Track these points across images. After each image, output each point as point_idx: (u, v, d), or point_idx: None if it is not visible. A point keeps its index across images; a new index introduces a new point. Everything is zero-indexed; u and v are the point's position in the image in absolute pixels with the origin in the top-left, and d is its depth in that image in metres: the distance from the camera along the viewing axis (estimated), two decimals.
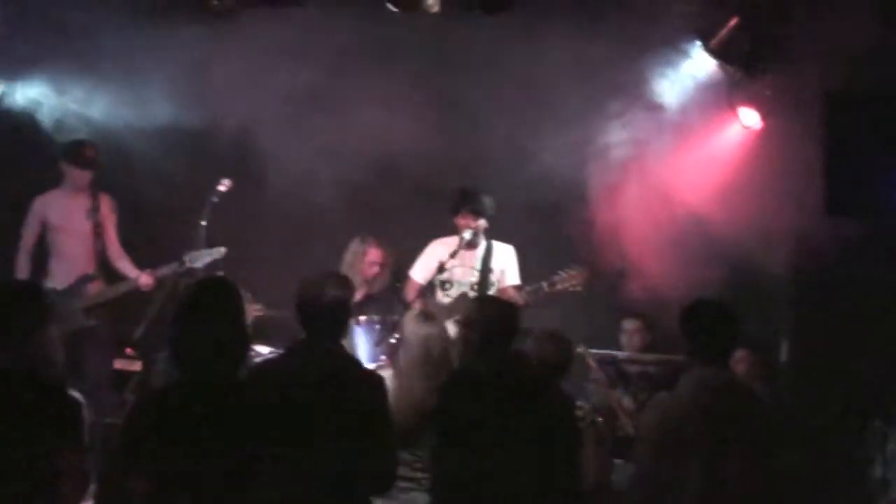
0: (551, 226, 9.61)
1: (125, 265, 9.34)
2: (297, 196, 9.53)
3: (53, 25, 9.27)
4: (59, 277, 9.21)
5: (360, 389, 5.81)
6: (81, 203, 9.28)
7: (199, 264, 9.05)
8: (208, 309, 5.15)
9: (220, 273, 8.89)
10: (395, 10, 8.47)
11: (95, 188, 9.35)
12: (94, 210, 9.29)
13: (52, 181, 9.41)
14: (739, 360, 7.96)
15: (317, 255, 9.40)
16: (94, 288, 9.25)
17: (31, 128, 9.91)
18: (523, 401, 5.92)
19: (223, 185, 9.15)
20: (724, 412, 5.74)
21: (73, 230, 9.26)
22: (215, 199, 9.10)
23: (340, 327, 6.01)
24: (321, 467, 5.56)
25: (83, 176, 9.25)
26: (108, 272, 9.39)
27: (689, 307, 6.07)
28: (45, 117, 9.90)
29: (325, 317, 5.89)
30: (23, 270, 9.20)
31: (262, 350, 8.91)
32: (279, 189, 9.64)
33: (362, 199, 10.00)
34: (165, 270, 9.15)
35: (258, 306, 9.45)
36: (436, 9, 8.44)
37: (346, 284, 6.11)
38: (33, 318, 5.38)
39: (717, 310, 6.04)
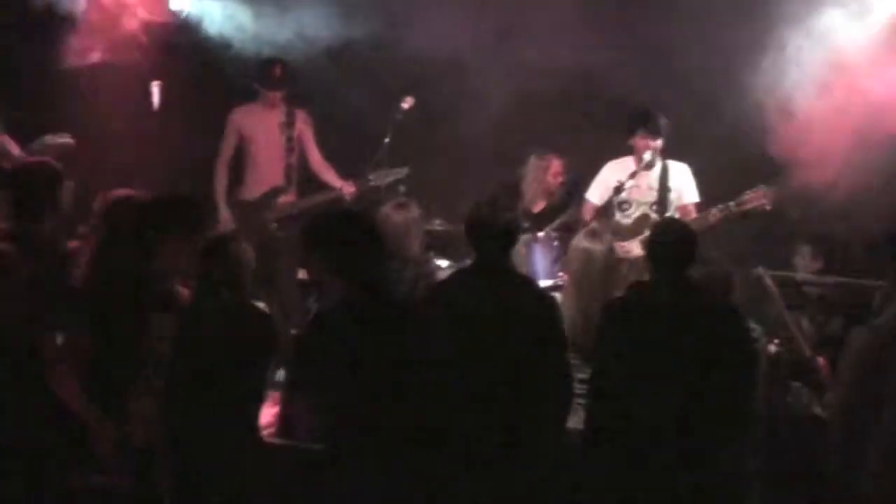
0: (738, 145, 9.39)
1: (330, 175, 9.59)
2: (477, 112, 9.57)
3: None
4: (251, 189, 9.57)
5: (534, 310, 5.91)
6: (275, 117, 9.54)
7: (383, 182, 9.28)
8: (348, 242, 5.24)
9: (401, 189, 9.15)
10: None
11: (290, 102, 9.59)
12: (288, 124, 9.54)
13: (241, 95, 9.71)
14: None
15: (497, 172, 9.59)
16: (285, 200, 9.55)
17: (216, 44, 10.23)
18: (694, 325, 5.83)
19: (406, 103, 9.26)
20: None
21: (266, 143, 9.54)
22: (399, 117, 9.23)
23: (510, 246, 6.07)
24: (496, 387, 5.72)
25: (274, 95, 9.50)
26: (300, 185, 9.68)
27: (892, 234, 6.00)
28: (226, 35, 10.19)
29: (496, 238, 5.96)
30: (221, 181, 9.59)
31: (442, 263, 9.12)
32: (459, 105, 9.70)
33: (540, 117, 9.98)
34: (357, 182, 9.37)
35: (437, 221, 9.69)
36: None
37: (514, 202, 6.15)
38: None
39: None
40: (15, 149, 8.39)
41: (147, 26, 10.09)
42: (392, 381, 5.14)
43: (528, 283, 6.34)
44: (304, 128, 9.63)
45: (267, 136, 9.53)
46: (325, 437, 5.22)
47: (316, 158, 9.65)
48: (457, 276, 6.25)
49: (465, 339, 5.69)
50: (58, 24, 9.84)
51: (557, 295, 7.03)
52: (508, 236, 6.02)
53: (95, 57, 9.98)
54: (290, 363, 5.42)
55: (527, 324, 5.85)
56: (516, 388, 5.77)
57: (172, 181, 8.66)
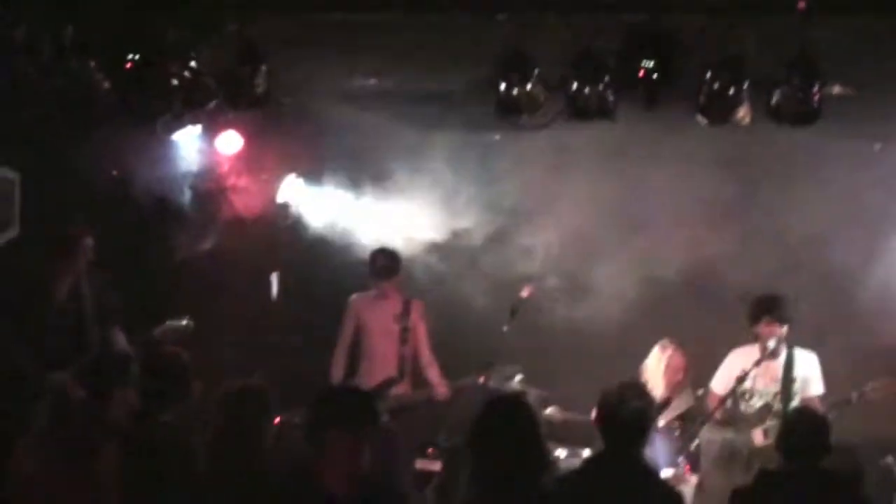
0: (860, 332, 9.33)
1: (433, 373, 9.58)
2: (596, 304, 9.67)
3: (347, 134, 9.76)
4: (365, 379, 9.49)
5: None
6: (391, 307, 9.59)
7: (495, 380, 9.17)
8: (501, 429, 5.15)
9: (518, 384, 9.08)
10: (704, 123, 8.34)
11: (407, 293, 9.66)
12: (404, 315, 9.57)
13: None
14: None
15: (618, 362, 9.38)
16: (399, 390, 9.48)
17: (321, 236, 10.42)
18: None
19: (525, 291, 9.26)
20: None
21: (381, 332, 9.57)
22: (518, 307, 9.21)
23: (642, 438, 5.88)
24: None
25: (382, 284, 9.55)
26: (414, 375, 9.63)
27: None
28: (323, 229, 10.43)
29: (626, 429, 5.79)
30: (338, 368, 9.60)
31: (561, 453, 8.96)
32: (579, 298, 9.79)
33: (664, 307, 9.93)
34: (464, 382, 9.35)
35: (556, 410, 9.53)
36: (747, 121, 8.28)
37: (645, 394, 6.02)
38: None
39: None
40: (122, 340, 8.48)
41: (251, 216, 10.33)
42: None
43: (656, 476, 6.14)
44: (418, 321, 9.65)
45: (382, 326, 9.56)
46: None
47: (425, 353, 9.66)
48: (585, 468, 6.07)
49: None
50: (169, 217, 10.13)
51: (686, 489, 6.87)
52: (639, 428, 5.83)
53: (206, 245, 10.17)
54: None
55: None
56: None
57: (292, 369, 8.67)
